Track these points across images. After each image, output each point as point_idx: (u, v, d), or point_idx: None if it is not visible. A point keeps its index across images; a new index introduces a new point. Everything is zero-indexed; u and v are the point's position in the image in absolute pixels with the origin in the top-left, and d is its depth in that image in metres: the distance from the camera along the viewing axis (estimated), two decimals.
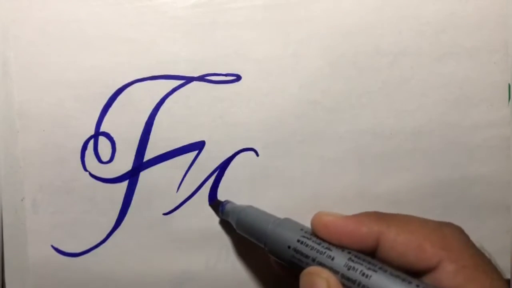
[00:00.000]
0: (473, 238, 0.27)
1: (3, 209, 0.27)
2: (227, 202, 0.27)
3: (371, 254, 0.20)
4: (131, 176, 0.27)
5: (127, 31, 0.27)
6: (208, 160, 0.27)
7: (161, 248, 0.28)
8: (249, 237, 0.24)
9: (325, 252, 0.20)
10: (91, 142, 0.27)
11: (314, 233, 0.21)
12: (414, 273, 0.19)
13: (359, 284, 0.18)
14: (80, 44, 0.27)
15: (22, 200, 0.27)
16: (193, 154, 0.27)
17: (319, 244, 0.20)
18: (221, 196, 0.28)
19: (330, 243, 0.20)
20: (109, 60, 0.27)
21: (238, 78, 0.27)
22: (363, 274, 0.18)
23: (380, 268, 0.18)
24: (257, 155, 0.27)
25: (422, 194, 0.28)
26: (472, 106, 0.28)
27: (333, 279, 0.19)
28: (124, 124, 0.27)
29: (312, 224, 0.21)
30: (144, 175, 0.27)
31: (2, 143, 0.27)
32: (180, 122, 0.27)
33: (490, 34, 0.28)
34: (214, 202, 0.27)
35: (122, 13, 0.27)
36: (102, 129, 0.27)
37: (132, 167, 0.27)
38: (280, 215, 0.23)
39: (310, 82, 0.27)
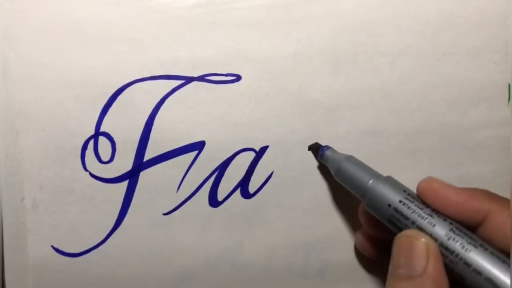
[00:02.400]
0: None
1: (3, 209, 0.27)
2: (327, 147, 0.27)
3: (472, 229, 0.20)
4: (131, 176, 0.27)
5: (127, 31, 0.27)
6: (208, 160, 0.27)
7: (161, 248, 0.28)
8: (347, 187, 0.24)
9: (426, 218, 0.20)
10: (91, 142, 0.27)
11: (419, 197, 0.21)
12: None
13: (457, 255, 0.18)
14: (80, 44, 0.27)
15: (22, 200, 0.27)
16: (193, 154, 0.27)
17: (421, 208, 0.21)
18: (220, 196, 0.28)
19: (433, 209, 0.20)
20: (109, 60, 0.27)
21: (238, 78, 0.27)
22: (463, 247, 0.19)
23: (480, 245, 0.19)
24: (257, 155, 0.27)
25: None
26: (472, 106, 0.28)
27: (433, 244, 0.19)
28: (124, 124, 0.27)
29: (419, 187, 0.21)
30: (144, 175, 0.27)
31: (2, 143, 0.27)
32: (180, 122, 0.27)
33: (490, 34, 0.28)
34: (313, 144, 0.27)
35: (122, 13, 0.27)
36: (102, 129, 0.27)
37: (132, 167, 0.27)
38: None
39: (310, 82, 0.27)
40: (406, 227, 0.20)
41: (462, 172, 0.28)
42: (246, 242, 0.28)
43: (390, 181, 0.23)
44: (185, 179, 0.27)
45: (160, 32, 0.27)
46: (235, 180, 0.28)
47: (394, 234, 0.21)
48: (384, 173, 0.28)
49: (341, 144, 0.28)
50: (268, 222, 0.28)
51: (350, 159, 0.25)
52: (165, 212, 0.27)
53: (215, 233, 0.28)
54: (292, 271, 0.28)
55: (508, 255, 0.18)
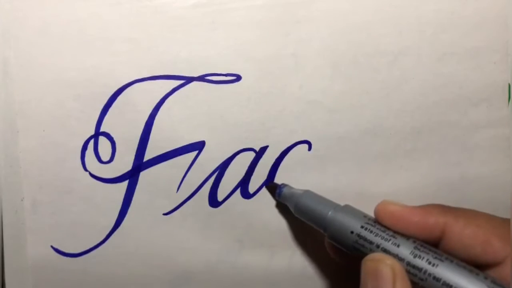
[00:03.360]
0: None
1: (3, 209, 0.27)
2: (284, 185, 0.27)
3: (434, 245, 0.20)
4: (131, 176, 0.27)
5: (127, 31, 0.27)
6: (208, 160, 0.27)
7: (161, 248, 0.28)
8: (307, 221, 0.25)
9: (390, 239, 0.20)
10: (91, 142, 0.27)
11: (378, 221, 0.21)
12: (478, 266, 0.19)
13: (425, 272, 0.19)
14: (80, 44, 0.27)
15: (22, 200, 0.27)
16: (193, 154, 0.27)
17: (383, 231, 0.21)
18: (220, 196, 0.28)
19: (394, 231, 0.21)
20: (109, 60, 0.27)
21: (238, 78, 0.27)
22: (430, 263, 0.19)
23: (446, 258, 0.19)
24: (257, 155, 0.27)
25: (422, 194, 0.28)
26: (472, 106, 0.28)
27: (398, 266, 0.19)
28: (124, 124, 0.27)
29: (376, 212, 0.22)
30: (144, 175, 0.27)
31: (2, 143, 0.27)
32: (180, 122, 0.27)
33: (490, 34, 0.28)
34: (270, 184, 0.27)
35: (122, 13, 0.27)
36: (102, 129, 0.27)
37: (132, 167, 0.27)
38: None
39: (310, 82, 0.27)
40: (371, 251, 0.21)
41: (462, 172, 0.28)
42: (246, 242, 0.28)
43: (349, 209, 0.23)
44: (185, 179, 0.27)
45: (160, 32, 0.27)
46: (235, 180, 0.28)
47: (360, 261, 0.21)
48: (384, 173, 0.28)
49: (341, 144, 0.28)
50: (268, 222, 0.28)
51: (307, 194, 0.25)
52: (165, 212, 0.27)
53: (215, 233, 0.28)
54: (292, 271, 0.28)
55: (472, 265, 0.19)
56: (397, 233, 0.21)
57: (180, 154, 0.27)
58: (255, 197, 0.28)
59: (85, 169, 0.27)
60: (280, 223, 0.28)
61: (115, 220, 0.27)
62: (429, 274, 0.19)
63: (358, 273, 0.28)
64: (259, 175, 0.28)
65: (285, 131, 0.27)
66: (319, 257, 0.28)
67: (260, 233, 0.28)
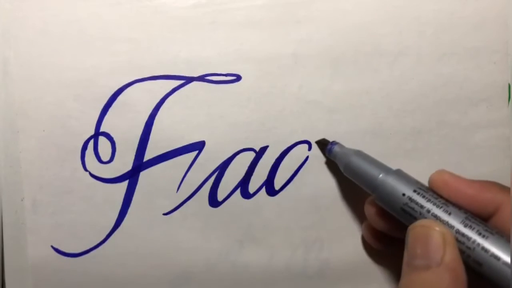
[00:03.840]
0: None
1: (3, 209, 0.27)
2: (335, 143, 0.27)
3: (484, 220, 0.20)
4: (131, 176, 0.27)
5: (127, 31, 0.27)
6: (208, 160, 0.27)
7: (161, 248, 0.28)
8: (356, 181, 0.25)
9: (441, 206, 0.20)
10: (91, 142, 0.27)
11: (431, 189, 0.21)
12: None
13: (474, 241, 0.19)
14: (80, 44, 0.27)
15: (22, 200, 0.27)
16: (193, 154, 0.27)
17: (436, 198, 0.21)
18: (220, 196, 0.28)
19: (447, 200, 0.21)
20: (109, 60, 0.27)
21: (238, 78, 0.27)
22: (480, 234, 0.19)
23: (496, 233, 0.19)
24: (257, 155, 0.27)
25: None
26: (472, 106, 0.28)
27: (449, 234, 0.19)
28: (124, 124, 0.27)
29: (431, 179, 0.22)
30: (144, 175, 0.27)
31: (2, 143, 0.27)
32: (180, 122, 0.27)
33: (490, 34, 0.28)
34: (321, 140, 0.27)
35: (122, 13, 0.27)
36: (102, 129, 0.27)
37: (132, 167, 0.27)
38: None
39: (310, 82, 0.27)
40: (421, 215, 0.21)
41: (462, 172, 0.28)
42: (246, 242, 0.28)
43: (402, 174, 0.23)
44: (185, 179, 0.27)
45: (160, 32, 0.27)
46: (235, 180, 0.28)
47: (402, 228, 0.21)
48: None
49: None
50: (268, 222, 0.28)
51: (359, 153, 0.25)
52: (165, 212, 0.27)
53: (215, 233, 0.28)
54: (292, 271, 0.28)
55: None
56: (449, 202, 0.21)
57: (180, 154, 0.27)
58: (255, 197, 0.28)
59: (85, 169, 0.27)
60: (280, 223, 0.28)
61: (115, 220, 0.27)
62: (478, 244, 0.19)
63: (359, 271, 0.28)
64: (259, 175, 0.28)
65: (285, 131, 0.27)
66: (319, 257, 0.28)
67: (260, 233, 0.28)
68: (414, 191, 0.21)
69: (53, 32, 0.27)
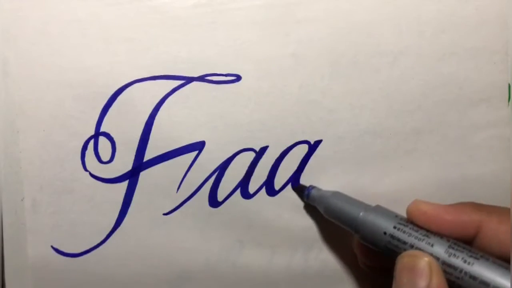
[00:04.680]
0: None
1: (3, 209, 0.27)
2: (312, 187, 0.27)
3: (468, 244, 0.20)
4: (131, 176, 0.27)
5: (127, 31, 0.27)
6: (208, 160, 0.27)
7: (161, 248, 0.28)
8: (338, 223, 0.25)
9: (423, 239, 0.20)
10: (91, 142, 0.27)
11: (410, 221, 0.21)
12: None
13: (461, 271, 0.19)
14: (80, 44, 0.27)
15: (22, 200, 0.27)
16: (193, 154, 0.27)
17: (416, 231, 0.21)
18: (220, 196, 0.28)
19: (428, 230, 0.21)
20: (109, 60, 0.27)
21: (238, 78, 0.27)
22: (465, 261, 0.19)
23: (481, 256, 0.19)
24: (257, 155, 0.27)
25: (422, 194, 0.28)
26: (472, 106, 0.28)
27: (435, 262, 0.19)
28: (124, 124, 0.27)
29: (409, 211, 0.22)
30: (144, 175, 0.27)
31: (2, 143, 0.27)
32: (180, 122, 0.27)
33: (490, 34, 0.28)
34: (298, 186, 0.28)
35: (122, 13, 0.27)
36: (102, 129, 0.27)
37: (132, 167, 0.27)
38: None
39: (310, 82, 0.27)
40: (405, 251, 0.21)
41: (462, 172, 0.28)
42: (246, 242, 0.28)
43: (380, 210, 0.23)
44: (185, 179, 0.27)
45: (160, 32, 0.27)
46: (235, 180, 0.28)
47: (392, 261, 0.21)
48: (384, 173, 0.28)
49: (341, 144, 0.28)
50: (268, 222, 0.28)
51: (337, 195, 0.25)
52: (165, 212, 0.27)
53: (215, 233, 0.28)
54: (292, 271, 0.28)
55: (508, 262, 0.19)
56: (430, 232, 0.21)
57: (180, 154, 0.27)
58: (255, 197, 0.28)
59: (85, 169, 0.27)
60: (280, 223, 0.28)
61: (115, 220, 0.27)
62: (465, 273, 0.19)
63: (359, 271, 0.28)
64: (259, 175, 0.28)
65: (285, 131, 0.27)
66: (319, 257, 0.28)
67: (260, 233, 0.28)
68: (394, 227, 0.21)
69: (53, 32, 0.27)
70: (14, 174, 0.27)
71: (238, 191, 0.28)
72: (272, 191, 0.28)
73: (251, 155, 0.27)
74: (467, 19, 0.27)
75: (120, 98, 0.27)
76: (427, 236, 0.20)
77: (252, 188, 0.28)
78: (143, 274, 0.28)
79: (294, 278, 0.28)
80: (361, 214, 0.23)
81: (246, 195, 0.28)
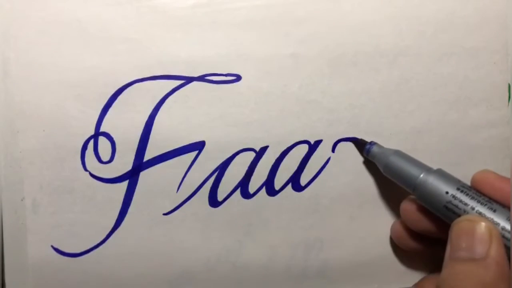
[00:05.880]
0: None
1: (3, 209, 0.27)
2: (373, 143, 0.27)
3: None
4: (131, 176, 0.27)
5: (127, 31, 0.27)
6: (208, 160, 0.27)
7: (161, 248, 0.28)
8: (397, 181, 0.25)
9: (486, 204, 0.20)
10: (91, 142, 0.27)
11: (473, 188, 0.21)
12: None
13: None
14: (80, 44, 0.27)
15: (22, 200, 0.27)
16: (193, 154, 0.27)
17: (479, 196, 0.21)
18: (220, 196, 0.28)
19: (490, 198, 0.21)
20: (109, 60, 0.27)
21: (238, 78, 0.27)
22: None
23: None
24: (257, 155, 0.27)
25: None
26: (472, 106, 0.28)
27: (495, 229, 0.19)
28: (124, 124, 0.27)
29: (474, 179, 0.22)
30: (144, 175, 0.27)
31: (2, 143, 0.27)
32: (180, 122, 0.27)
33: (490, 34, 0.28)
34: (359, 140, 0.27)
35: (122, 13, 0.27)
36: (102, 129, 0.27)
37: (132, 167, 0.27)
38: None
39: (310, 82, 0.27)
40: (465, 213, 0.21)
41: (462, 172, 0.28)
42: (246, 242, 0.28)
43: (444, 173, 0.23)
44: (185, 179, 0.27)
45: (160, 32, 0.27)
46: (235, 180, 0.28)
47: (441, 228, 0.21)
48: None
49: (341, 144, 0.28)
50: (268, 222, 0.28)
51: (398, 153, 0.25)
52: (165, 212, 0.27)
53: (215, 233, 0.28)
54: (292, 271, 0.28)
55: None
56: (490, 200, 0.21)
57: (180, 154, 0.27)
58: (255, 197, 0.28)
59: (85, 169, 0.27)
60: (280, 223, 0.28)
61: (115, 220, 0.27)
62: None
63: (359, 271, 0.28)
64: (259, 175, 0.28)
65: (285, 131, 0.27)
66: (319, 257, 0.28)
67: (260, 233, 0.28)
68: (457, 189, 0.21)
69: (53, 32, 0.27)
70: (14, 174, 0.27)
71: (238, 191, 0.28)
72: (272, 191, 0.28)
73: (251, 155, 0.27)
74: (467, 19, 0.27)
75: (120, 98, 0.27)
76: (490, 202, 0.20)
77: (252, 188, 0.28)
78: (143, 274, 0.28)
79: (294, 278, 0.28)
80: (422, 174, 0.23)
81: (246, 195, 0.28)
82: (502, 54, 0.28)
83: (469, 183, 0.23)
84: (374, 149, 0.26)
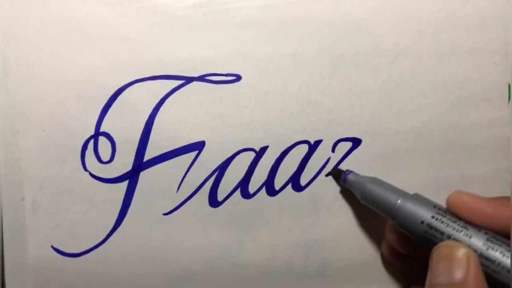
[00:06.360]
0: None
1: (3, 209, 0.27)
2: (349, 171, 0.27)
3: (506, 237, 0.20)
4: (131, 176, 0.27)
5: (127, 31, 0.27)
6: (208, 160, 0.27)
7: (161, 248, 0.28)
8: (375, 208, 0.25)
9: (461, 230, 0.20)
10: (91, 142, 0.27)
11: (450, 211, 0.21)
12: None
13: (498, 264, 0.19)
14: (80, 44, 0.27)
15: (22, 200, 0.27)
16: (193, 154, 0.27)
17: (454, 222, 0.21)
18: (220, 196, 0.28)
19: (466, 221, 0.21)
20: (109, 60, 0.27)
21: (238, 78, 0.27)
22: (503, 255, 0.19)
23: None
24: (257, 155, 0.27)
25: (422, 194, 0.28)
26: (472, 106, 0.28)
27: (473, 253, 0.19)
28: (124, 124, 0.27)
29: (449, 201, 0.22)
30: (144, 175, 0.27)
31: (2, 143, 0.27)
32: (180, 122, 0.27)
33: (490, 34, 0.28)
34: (335, 170, 0.27)
35: (122, 13, 0.27)
36: (102, 129, 0.27)
37: (132, 167, 0.27)
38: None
39: (310, 82, 0.27)
40: (442, 241, 0.21)
41: (462, 172, 0.28)
42: (246, 242, 0.28)
43: (419, 198, 0.23)
44: (185, 179, 0.27)
45: (160, 32, 0.27)
46: (235, 180, 0.28)
47: (425, 250, 0.21)
48: (385, 173, 0.28)
49: (341, 144, 0.28)
50: (268, 222, 0.28)
51: (374, 181, 0.25)
52: (165, 212, 0.27)
53: (215, 233, 0.28)
54: (292, 271, 0.28)
55: None
56: (468, 223, 0.21)
57: (180, 154, 0.27)
58: (255, 197, 0.28)
59: (85, 169, 0.27)
60: (280, 223, 0.28)
61: (115, 220, 0.27)
62: (503, 267, 0.19)
63: (359, 271, 0.28)
64: (259, 175, 0.28)
65: (285, 131, 0.27)
66: (319, 257, 0.28)
67: (260, 233, 0.28)
68: (432, 217, 0.21)
69: (53, 32, 0.27)
70: (14, 174, 0.27)
71: (238, 191, 0.28)
72: (272, 191, 0.28)
73: (251, 155, 0.27)
74: (467, 19, 0.27)
75: (120, 98, 0.27)
76: (465, 227, 0.20)
77: (252, 188, 0.28)
78: (143, 274, 0.28)
79: (294, 278, 0.28)
80: (399, 201, 0.23)
81: (246, 195, 0.28)
82: (502, 54, 0.28)
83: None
84: (350, 177, 0.26)
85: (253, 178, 0.28)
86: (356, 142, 0.28)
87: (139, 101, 0.27)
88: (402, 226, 0.23)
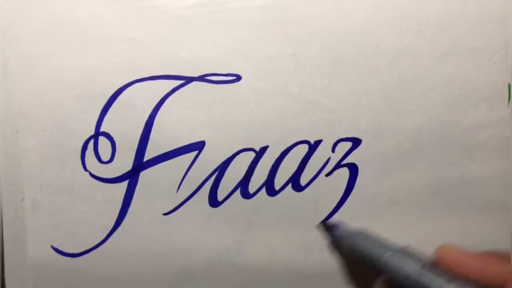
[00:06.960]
0: (473, 238, 0.27)
1: (3, 209, 0.27)
2: (337, 226, 0.27)
3: None
4: (131, 176, 0.27)
5: (127, 31, 0.27)
6: (208, 160, 0.27)
7: (161, 248, 0.28)
8: (362, 263, 0.25)
9: (448, 286, 0.20)
10: (91, 142, 0.27)
11: (436, 264, 0.22)
12: None
13: None
14: (80, 44, 0.27)
15: (22, 200, 0.27)
16: (193, 154, 0.27)
17: (441, 276, 0.21)
18: (220, 196, 0.28)
19: (453, 276, 0.21)
20: (109, 60, 0.27)
21: (238, 78, 0.27)
22: None
23: None
24: (257, 155, 0.27)
25: (422, 194, 0.28)
26: (472, 106, 0.28)
27: None
28: (124, 124, 0.27)
29: (438, 256, 0.22)
30: (144, 175, 0.27)
31: (2, 143, 0.27)
32: (180, 122, 0.27)
33: (490, 34, 0.28)
34: (325, 224, 0.28)
35: (122, 13, 0.27)
36: (102, 129, 0.27)
37: (132, 167, 0.27)
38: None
39: (310, 82, 0.27)
40: None
41: (462, 172, 0.28)
42: (246, 242, 0.28)
43: (405, 253, 0.23)
44: (185, 179, 0.27)
45: (160, 32, 0.27)
46: (235, 180, 0.28)
47: None
48: (384, 173, 0.28)
49: (341, 144, 0.28)
50: (268, 222, 0.28)
51: (362, 235, 0.25)
52: (165, 212, 0.27)
53: (215, 233, 0.28)
54: (292, 271, 0.28)
55: None
56: (456, 278, 0.21)
57: (180, 154, 0.27)
58: (255, 197, 0.28)
59: (85, 169, 0.27)
60: (280, 223, 0.28)
61: (115, 220, 0.27)
62: None
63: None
64: (259, 175, 0.28)
65: (285, 131, 0.27)
66: (319, 257, 0.28)
67: (260, 233, 0.28)
68: (419, 271, 0.21)
69: (53, 32, 0.27)
70: (14, 174, 0.27)
71: (238, 191, 0.28)
72: (272, 191, 0.28)
73: (251, 155, 0.27)
74: (467, 19, 0.27)
75: (120, 98, 0.27)
76: (453, 282, 0.20)
77: (252, 188, 0.28)
78: (143, 274, 0.28)
79: (294, 278, 0.28)
80: (385, 256, 0.23)
81: (246, 195, 0.28)
82: (502, 54, 0.28)
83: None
84: (337, 232, 0.27)
85: (253, 178, 0.28)
86: (356, 142, 0.28)
87: (139, 101, 0.27)
88: (389, 281, 0.23)
